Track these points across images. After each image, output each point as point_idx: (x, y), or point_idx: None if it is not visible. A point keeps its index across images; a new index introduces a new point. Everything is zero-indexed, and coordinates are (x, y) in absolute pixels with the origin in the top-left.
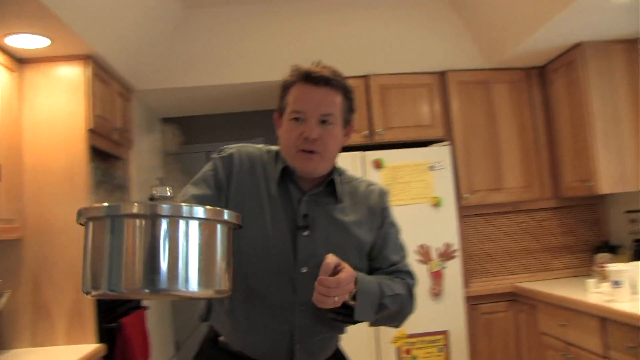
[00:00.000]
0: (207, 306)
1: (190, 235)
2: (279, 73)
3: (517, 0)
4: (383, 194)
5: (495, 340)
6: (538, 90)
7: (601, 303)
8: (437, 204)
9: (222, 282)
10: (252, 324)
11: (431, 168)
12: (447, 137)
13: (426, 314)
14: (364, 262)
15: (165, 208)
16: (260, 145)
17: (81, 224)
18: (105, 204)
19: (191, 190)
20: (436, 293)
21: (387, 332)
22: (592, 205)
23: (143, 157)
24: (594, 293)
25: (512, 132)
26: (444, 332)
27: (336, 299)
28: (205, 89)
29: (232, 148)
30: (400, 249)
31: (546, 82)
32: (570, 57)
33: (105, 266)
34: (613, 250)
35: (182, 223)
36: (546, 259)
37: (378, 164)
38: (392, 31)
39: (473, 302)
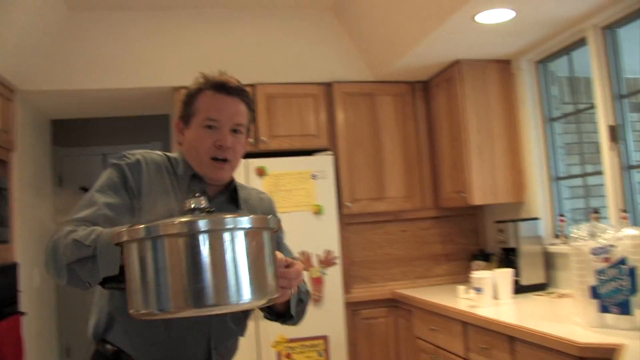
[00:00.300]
0: (107, 321)
1: (238, 247)
2: (168, 79)
3: (397, 17)
4: (272, 202)
5: (376, 345)
6: (422, 104)
7: (463, 308)
8: (318, 211)
9: (273, 288)
10: (171, 335)
11: (313, 177)
12: (331, 146)
13: (306, 319)
14: None
15: (207, 223)
16: (159, 152)
17: (119, 245)
18: (143, 225)
19: (101, 198)
20: (316, 299)
21: (268, 337)
22: (471, 215)
23: (28, 159)
24: (462, 299)
25: (395, 144)
26: (323, 337)
27: (293, 290)
28: (95, 92)
29: (137, 154)
30: (290, 252)
31: (429, 96)
32: (449, 73)
33: (152, 287)
34: (487, 258)
35: (226, 236)
36: (427, 266)
37: (261, 172)
38: (280, 42)
39: (354, 307)
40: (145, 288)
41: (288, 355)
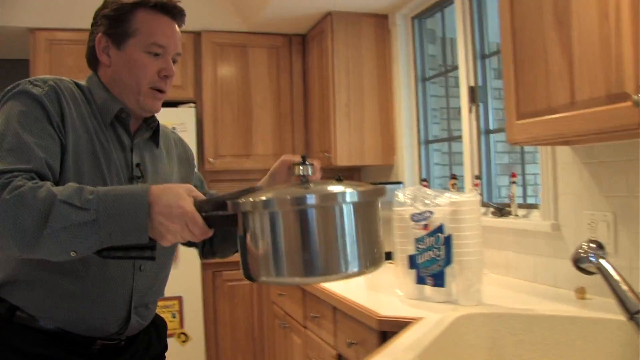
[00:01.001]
0: (3, 278)
1: (353, 219)
2: (23, 18)
3: None
4: (187, 145)
5: (238, 308)
6: (299, 58)
7: None
8: None
9: (382, 255)
10: (87, 293)
11: (173, 130)
12: (197, 99)
13: None
14: None
15: (319, 197)
16: (65, 78)
17: (233, 214)
18: (261, 199)
19: (29, 137)
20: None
21: None
22: (348, 178)
23: None
24: None
25: (267, 99)
26: (177, 298)
27: None
28: None
29: (49, 80)
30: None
31: (307, 50)
32: (322, 26)
33: (269, 255)
34: None
35: (337, 209)
36: None
37: None
38: None
39: (216, 269)
40: (262, 257)
41: None
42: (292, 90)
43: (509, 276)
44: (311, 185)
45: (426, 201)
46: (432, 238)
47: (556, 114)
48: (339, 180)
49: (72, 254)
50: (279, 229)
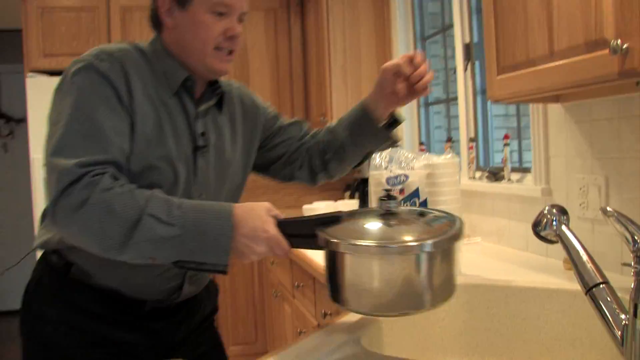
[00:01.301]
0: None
1: (430, 261)
2: None
3: None
4: (250, 93)
5: (239, 277)
6: (297, 20)
7: None
8: None
9: (456, 285)
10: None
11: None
12: None
13: None
14: (246, 175)
15: (401, 248)
16: (125, 45)
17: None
18: (350, 243)
19: (106, 121)
20: None
21: None
22: None
23: None
24: None
25: (265, 63)
26: None
27: None
28: None
29: (114, 52)
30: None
31: (305, 11)
32: None
33: (354, 289)
34: (358, 188)
35: (416, 256)
36: (298, 195)
37: None
38: None
39: None
40: (353, 289)
41: None
42: (290, 54)
43: (501, 244)
44: (393, 222)
45: (403, 164)
46: (408, 203)
47: (535, 67)
48: (421, 215)
49: (150, 260)
50: (364, 269)
